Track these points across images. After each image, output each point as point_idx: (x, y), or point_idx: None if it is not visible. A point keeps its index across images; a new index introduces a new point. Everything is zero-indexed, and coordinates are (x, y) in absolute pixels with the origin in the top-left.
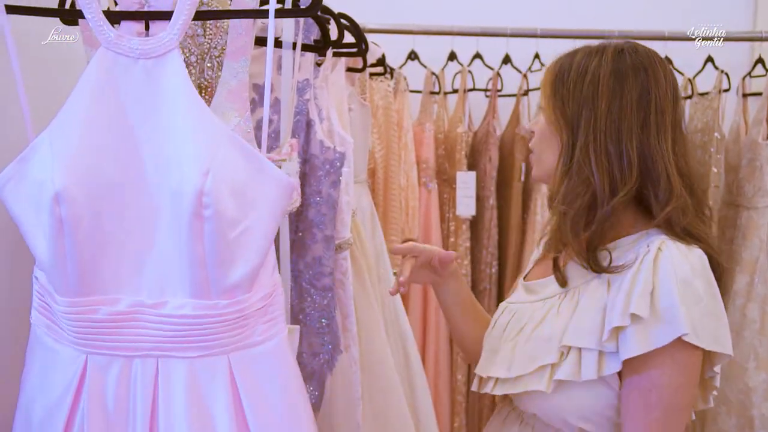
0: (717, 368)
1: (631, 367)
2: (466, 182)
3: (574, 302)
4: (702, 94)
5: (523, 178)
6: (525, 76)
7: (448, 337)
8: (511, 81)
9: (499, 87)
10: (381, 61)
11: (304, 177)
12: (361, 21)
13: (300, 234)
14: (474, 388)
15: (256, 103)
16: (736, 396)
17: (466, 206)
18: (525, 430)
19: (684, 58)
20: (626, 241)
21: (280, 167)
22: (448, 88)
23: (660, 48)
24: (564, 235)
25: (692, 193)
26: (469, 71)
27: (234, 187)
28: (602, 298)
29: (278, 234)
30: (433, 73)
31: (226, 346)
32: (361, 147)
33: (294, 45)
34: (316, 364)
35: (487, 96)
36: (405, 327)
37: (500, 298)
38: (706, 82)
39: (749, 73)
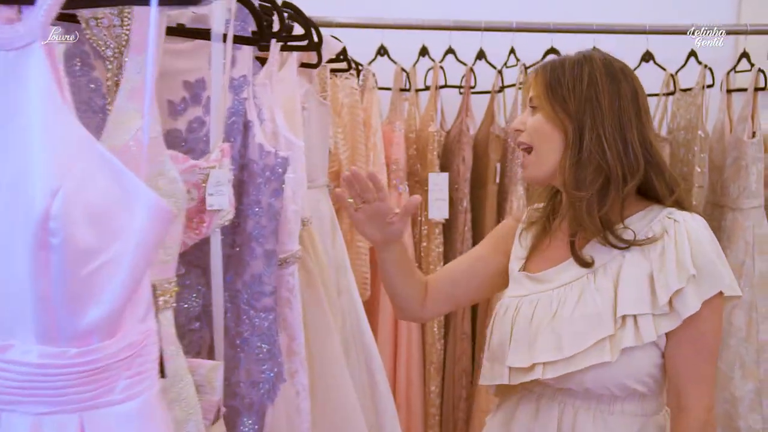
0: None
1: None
2: (438, 184)
3: (610, 277)
4: (684, 90)
5: (498, 180)
6: (500, 72)
7: (420, 348)
8: (486, 77)
9: (472, 83)
10: (344, 57)
11: (241, 185)
12: (329, 14)
13: (237, 249)
14: (504, 380)
15: (187, 103)
16: (722, 406)
17: (438, 209)
18: (567, 411)
19: (666, 53)
20: (636, 218)
21: (208, 175)
22: (420, 85)
23: (641, 42)
24: (579, 217)
25: None
26: (441, 67)
27: (91, 212)
28: (645, 268)
29: (209, 250)
30: (404, 70)
31: (76, 403)
32: (319, 148)
33: (224, 37)
34: (255, 395)
35: (460, 93)
36: (369, 342)
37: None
38: (688, 77)
39: (733, 68)
